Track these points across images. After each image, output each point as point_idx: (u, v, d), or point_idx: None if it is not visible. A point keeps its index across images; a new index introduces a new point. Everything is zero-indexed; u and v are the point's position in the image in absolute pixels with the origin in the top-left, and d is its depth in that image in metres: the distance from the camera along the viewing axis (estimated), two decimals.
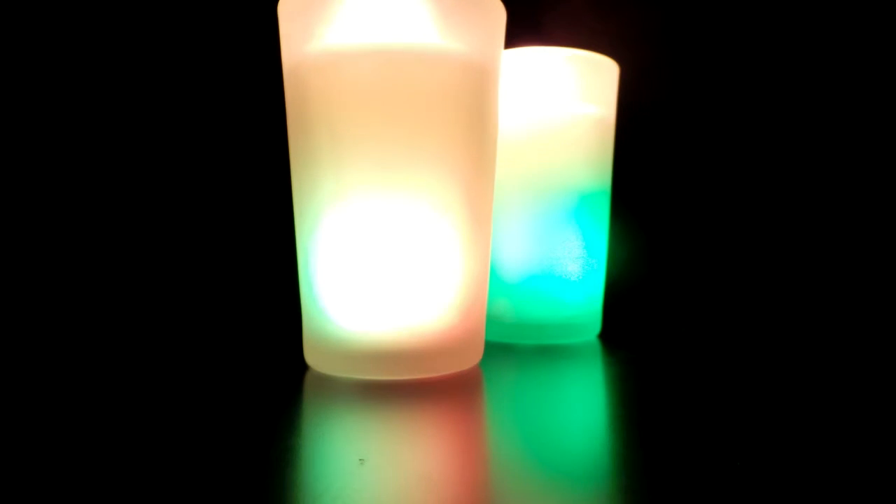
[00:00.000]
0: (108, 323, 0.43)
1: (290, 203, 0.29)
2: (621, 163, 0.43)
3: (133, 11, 0.49)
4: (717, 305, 0.55)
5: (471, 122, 0.28)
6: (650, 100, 0.53)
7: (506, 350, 0.35)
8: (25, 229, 0.47)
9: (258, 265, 0.52)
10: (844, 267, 0.53)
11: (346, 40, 0.26)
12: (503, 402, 0.26)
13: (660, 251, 0.55)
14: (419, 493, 0.16)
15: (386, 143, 0.26)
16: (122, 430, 0.20)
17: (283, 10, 0.29)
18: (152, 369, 0.29)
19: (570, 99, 0.36)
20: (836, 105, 0.53)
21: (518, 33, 0.36)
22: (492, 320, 0.37)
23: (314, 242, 0.27)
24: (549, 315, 0.37)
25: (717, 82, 0.55)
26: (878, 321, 0.48)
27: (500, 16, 0.30)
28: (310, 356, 0.29)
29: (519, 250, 0.36)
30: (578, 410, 0.24)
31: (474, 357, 0.30)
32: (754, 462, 0.18)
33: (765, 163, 0.55)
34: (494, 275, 0.37)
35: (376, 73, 0.26)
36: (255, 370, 0.29)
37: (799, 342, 0.39)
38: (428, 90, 0.26)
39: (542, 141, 0.36)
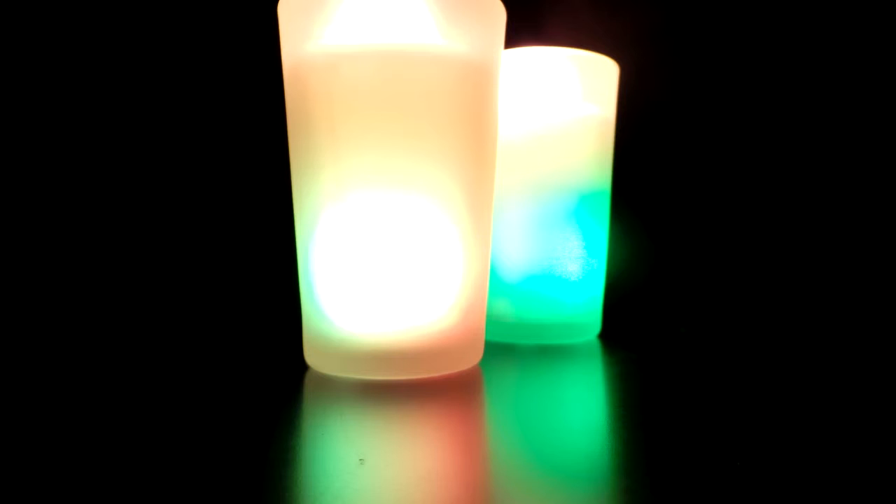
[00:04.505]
0: (109, 323, 0.43)
1: (290, 203, 0.29)
2: (621, 163, 0.43)
3: (133, 11, 0.49)
4: (718, 305, 0.55)
5: (471, 122, 0.28)
6: (650, 100, 0.53)
7: (506, 350, 0.35)
8: (25, 229, 0.47)
9: (258, 265, 0.52)
10: (846, 266, 0.53)
11: (346, 40, 0.26)
12: (503, 402, 0.26)
13: (660, 251, 0.55)
14: (419, 493, 0.15)
15: (386, 143, 0.26)
16: (123, 429, 0.20)
17: (283, 10, 0.29)
18: (153, 369, 0.29)
19: (570, 99, 0.36)
20: (837, 104, 0.53)
21: (518, 33, 0.36)
22: (492, 320, 0.37)
23: (314, 242, 0.27)
24: (549, 315, 0.36)
25: (718, 82, 0.55)
26: (879, 322, 0.48)
27: (500, 16, 0.30)
28: (310, 356, 0.29)
29: (519, 250, 0.36)
30: (578, 410, 0.24)
31: (474, 357, 0.30)
32: (754, 462, 0.18)
33: (765, 163, 0.55)
34: (494, 275, 0.37)
35: (376, 73, 0.26)
36: (255, 370, 0.29)
37: (800, 342, 0.39)
38: (428, 90, 0.26)
39: (542, 141, 0.36)
